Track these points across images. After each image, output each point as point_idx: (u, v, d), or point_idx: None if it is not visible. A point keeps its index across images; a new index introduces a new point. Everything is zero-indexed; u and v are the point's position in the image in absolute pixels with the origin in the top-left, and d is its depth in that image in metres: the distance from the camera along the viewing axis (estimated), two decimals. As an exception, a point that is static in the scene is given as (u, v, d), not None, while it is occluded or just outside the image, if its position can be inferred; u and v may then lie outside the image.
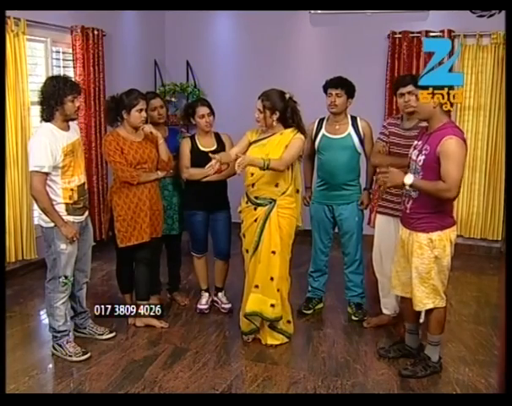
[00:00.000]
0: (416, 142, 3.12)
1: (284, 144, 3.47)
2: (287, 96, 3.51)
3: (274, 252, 3.47)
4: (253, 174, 3.50)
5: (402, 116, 3.61)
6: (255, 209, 3.53)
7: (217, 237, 4.08)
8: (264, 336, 3.62)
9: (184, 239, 4.39)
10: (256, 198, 3.53)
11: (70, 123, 3.39)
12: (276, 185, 3.48)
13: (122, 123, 3.69)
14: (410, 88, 3.45)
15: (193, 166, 3.92)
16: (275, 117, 3.48)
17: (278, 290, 3.50)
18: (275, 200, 3.49)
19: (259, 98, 3.51)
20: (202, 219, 4.00)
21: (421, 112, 3.04)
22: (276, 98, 3.48)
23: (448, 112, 3.07)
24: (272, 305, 3.49)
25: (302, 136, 3.52)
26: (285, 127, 3.52)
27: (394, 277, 3.34)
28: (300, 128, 3.53)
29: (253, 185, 3.53)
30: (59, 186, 3.28)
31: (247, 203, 3.58)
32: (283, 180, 3.49)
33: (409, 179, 2.98)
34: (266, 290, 3.50)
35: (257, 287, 3.50)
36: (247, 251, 3.61)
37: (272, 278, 3.48)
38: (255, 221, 3.52)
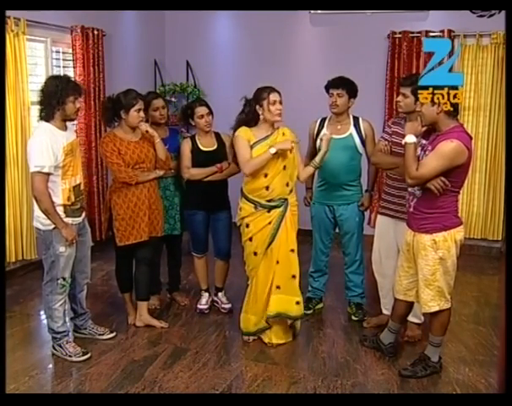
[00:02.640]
0: (422, 141, 3.12)
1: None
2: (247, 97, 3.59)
3: (293, 250, 3.52)
4: (266, 175, 3.45)
5: (405, 116, 3.61)
6: (269, 211, 3.48)
7: (218, 237, 4.08)
8: (270, 335, 3.61)
9: (185, 239, 4.39)
10: (269, 201, 3.48)
11: (67, 123, 3.38)
12: (287, 184, 3.51)
13: (119, 124, 3.68)
14: (403, 90, 3.47)
15: (194, 166, 3.93)
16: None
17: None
18: (286, 199, 3.51)
19: (275, 90, 3.48)
20: (202, 219, 4.00)
21: (425, 118, 3.03)
22: None
23: (455, 117, 3.05)
24: (297, 303, 3.55)
25: None
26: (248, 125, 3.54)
27: (397, 283, 3.33)
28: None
29: (267, 188, 3.46)
30: (59, 187, 3.27)
31: (256, 208, 3.50)
32: (290, 179, 3.53)
33: (409, 139, 3.04)
34: (289, 289, 3.52)
35: (278, 287, 3.51)
36: (255, 254, 3.54)
37: (294, 276, 3.53)
38: (269, 223, 3.48)
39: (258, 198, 3.49)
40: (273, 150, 3.38)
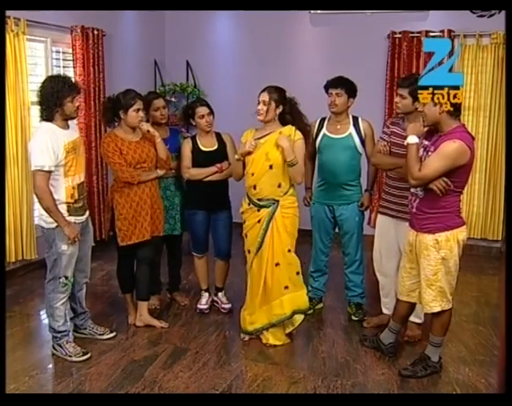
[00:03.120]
0: (424, 142, 3.12)
1: None
2: (287, 95, 3.55)
3: (289, 250, 3.54)
4: (253, 174, 3.50)
5: (404, 116, 3.61)
6: (258, 210, 3.53)
7: (218, 236, 4.08)
8: (267, 336, 3.62)
9: (185, 239, 4.39)
10: (259, 200, 3.52)
11: (69, 122, 3.38)
12: (279, 186, 3.50)
13: (119, 124, 3.69)
14: (401, 91, 3.48)
15: (195, 166, 3.93)
16: (278, 111, 3.51)
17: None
18: (277, 201, 3.50)
19: (264, 90, 3.51)
20: (203, 218, 4.00)
21: (427, 118, 3.03)
22: (281, 93, 3.53)
23: (458, 117, 3.05)
24: (306, 294, 3.64)
25: (301, 135, 3.53)
26: (283, 125, 3.54)
27: (400, 284, 3.33)
28: (301, 128, 3.54)
29: (254, 187, 3.51)
30: (62, 185, 3.28)
31: (249, 205, 3.58)
32: (284, 181, 3.51)
33: (411, 139, 3.04)
34: (296, 285, 3.58)
35: (287, 287, 3.54)
36: (249, 251, 3.62)
37: (298, 273, 3.59)
38: (258, 222, 3.52)
39: (250, 195, 3.56)
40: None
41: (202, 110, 3.91)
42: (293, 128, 3.52)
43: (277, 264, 3.51)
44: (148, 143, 3.72)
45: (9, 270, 4.63)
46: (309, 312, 4.08)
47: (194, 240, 4.12)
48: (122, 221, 3.66)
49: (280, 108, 3.50)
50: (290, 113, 3.53)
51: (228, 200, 4.07)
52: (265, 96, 3.48)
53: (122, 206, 3.66)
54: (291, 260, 3.54)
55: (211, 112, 3.94)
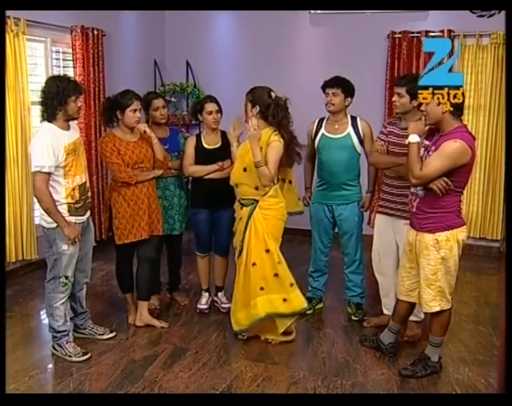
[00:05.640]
0: (425, 142, 3.13)
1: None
2: (273, 94, 3.50)
3: (268, 251, 3.48)
4: (234, 174, 3.61)
5: (400, 116, 3.61)
6: (241, 208, 3.59)
7: (218, 232, 4.08)
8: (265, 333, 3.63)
9: (185, 239, 4.39)
10: (242, 199, 3.58)
11: (70, 122, 3.39)
12: (256, 188, 3.50)
13: (117, 124, 3.70)
14: (398, 89, 3.48)
15: (197, 163, 3.95)
16: (255, 111, 3.49)
17: (291, 285, 3.53)
18: (257, 201, 3.51)
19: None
20: (206, 217, 4.01)
21: (430, 117, 3.03)
22: (259, 93, 3.52)
23: (459, 117, 3.05)
24: (284, 300, 3.51)
25: (280, 139, 3.44)
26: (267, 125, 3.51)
27: (399, 283, 3.33)
28: (281, 129, 3.47)
29: (236, 186, 3.62)
30: (62, 186, 3.28)
31: (237, 202, 3.65)
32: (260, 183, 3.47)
33: (412, 138, 3.04)
34: (273, 287, 3.49)
35: (262, 289, 3.48)
36: (235, 248, 3.66)
37: (276, 274, 3.49)
38: (240, 219, 3.59)
39: (236, 193, 3.65)
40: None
41: (210, 106, 3.92)
42: (271, 130, 3.46)
43: (254, 264, 3.48)
44: (146, 143, 3.73)
45: (9, 270, 4.62)
46: (309, 312, 4.10)
47: (197, 239, 4.12)
48: (119, 219, 3.67)
49: (257, 108, 3.48)
50: (272, 115, 3.46)
51: (232, 199, 4.03)
52: (244, 100, 3.55)
53: (120, 205, 3.67)
54: (266, 261, 3.48)
55: (219, 111, 3.95)
